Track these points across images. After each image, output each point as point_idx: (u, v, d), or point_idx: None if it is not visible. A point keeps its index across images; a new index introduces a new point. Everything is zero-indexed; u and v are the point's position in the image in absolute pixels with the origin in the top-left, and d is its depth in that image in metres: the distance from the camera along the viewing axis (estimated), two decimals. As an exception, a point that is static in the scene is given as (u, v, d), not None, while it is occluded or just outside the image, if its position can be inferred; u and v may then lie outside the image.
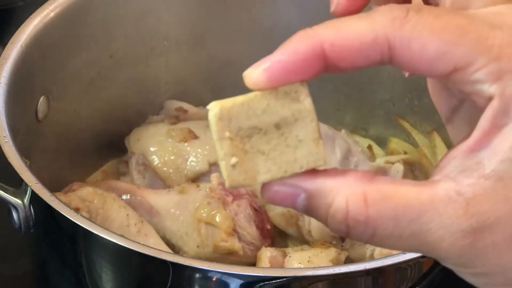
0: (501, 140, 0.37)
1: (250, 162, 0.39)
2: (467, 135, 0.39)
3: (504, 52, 0.37)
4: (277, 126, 0.39)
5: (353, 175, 0.39)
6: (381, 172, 0.90)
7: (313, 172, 0.40)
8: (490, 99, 0.38)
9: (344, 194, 0.38)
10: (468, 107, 0.43)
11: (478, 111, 0.39)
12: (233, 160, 0.39)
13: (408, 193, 0.38)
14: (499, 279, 0.39)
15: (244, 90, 0.40)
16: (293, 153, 0.39)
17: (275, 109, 0.39)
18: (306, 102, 0.39)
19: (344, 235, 0.39)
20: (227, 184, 0.39)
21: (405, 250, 0.39)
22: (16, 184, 0.75)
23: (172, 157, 0.90)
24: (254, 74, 0.39)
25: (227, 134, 0.39)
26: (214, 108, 0.39)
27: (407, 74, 0.43)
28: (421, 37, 0.38)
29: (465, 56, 0.38)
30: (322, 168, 0.40)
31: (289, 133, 0.40)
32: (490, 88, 0.37)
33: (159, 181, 0.91)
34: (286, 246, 0.89)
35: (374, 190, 0.38)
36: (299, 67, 0.38)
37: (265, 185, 0.40)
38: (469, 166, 0.38)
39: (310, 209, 0.39)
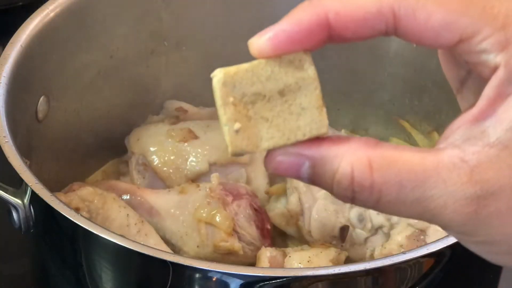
0: (505, 109, 0.38)
1: (254, 129, 0.39)
2: (472, 105, 0.39)
3: (509, 22, 0.38)
4: (281, 93, 0.40)
5: (357, 142, 0.39)
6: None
7: (316, 140, 0.40)
8: (495, 69, 0.38)
9: (349, 160, 0.39)
10: (475, 78, 0.43)
11: (484, 81, 0.39)
12: (236, 125, 0.39)
13: (413, 159, 0.38)
14: (503, 248, 0.39)
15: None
16: (297, 121, 0.40)
17: (279, 76, 0.40)
18: (310, 70, 0.40)
19: (350, 201, 0.40)
20: (229, 149, 0.40)
21: (409, 216, 0.39)
22: (16, 184, 0.74)
23: (172, 157, 0.90)
24: (258, 42, 0.39)
25: (231, 99, 0.39)
26: (218, 74, 0.40)
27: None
28: (426, 7, 0.38)
29: (471, 26, 0.38)
30: (325, 136, 0.40)
31: (293, 100, 0.40)
32: (495, 58, 0.38)
33: (159, 181, 0.91)
34: (286, 246, 0.89)
35: (379, 155, 0.38)
36: (303, 36, 0.39)
37: (268, 155, 0.40)
38: (474, 135, 0.38)
39: (315, 177, 0.40)
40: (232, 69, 0.40)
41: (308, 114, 0.40)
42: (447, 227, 0.40)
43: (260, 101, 0.40)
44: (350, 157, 0.39)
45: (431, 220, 0.39)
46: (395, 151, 0.39)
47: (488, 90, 0.38)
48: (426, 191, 0.38)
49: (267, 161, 0.40)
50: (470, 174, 0.38)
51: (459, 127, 0.39)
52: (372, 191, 0.38)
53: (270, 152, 0.40)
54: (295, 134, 0.40)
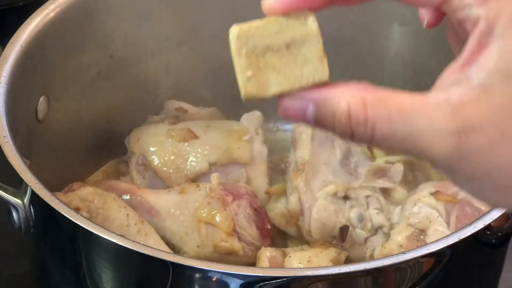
0: (486, 57, 0.43)
1: (263, 76, 0.45)
2: (458, 57, 0.44)
3: None
4: (288, 46, 0.45)
5: (355, 85, 0.45)
6: (381, 172, 0.90)
7: (319, 86, 0.45)
8: (477, 22, 0.43)
9: (346, 99, 0.44)
10: None
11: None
12: (249, 73, 0.45)
13: (402, 98, 0.43)
14: (489, 184, 0.43)
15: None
16: (301, 69, 0.45)
17: (287, 31, 0.45)
18: (313, 26, 0.46)
19: (350, 138, 0.44)
20: (242, 94, 0.45)
21: (400, 151, 0.44)
22: (16, 184, 0.75)
23: (172, 157, 0.90)
24: (269, 2, 0.45)
25: (244, 51, 0.45)
26: (234, 29, 0.45)
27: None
28: None
29: None
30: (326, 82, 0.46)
31: (298, 52, 0.45)
32: (477, 11, 0.43)
33: (159, 181, 0.91)
34: (286, 246, 0.89)
35: (372, 95, 0.44)
36: None
37: (278, 102, 0.46)
38: (459, 80, 0.43)
39: (319, 119, 0.45)
40: (246, 25, 0.45)
41: (311, 63, 0.45)
42: (435, 163, 0.44)
43: (270, 53, 0.45)
44: (347, 97, 0.44)
45: (420, 155, 0.43)
46: (388, 92, 0.43)
47: (471, 41, 0.43)
48: (413, 127, 0.42)
49: (278, 108, 0.46)
50: (453, 111, 0.42)
51: (447, 76, 0.44)
52: (366, 126, 0.43)
53: (279, 100, 0.45)
54: (300, 81, 0.45)
